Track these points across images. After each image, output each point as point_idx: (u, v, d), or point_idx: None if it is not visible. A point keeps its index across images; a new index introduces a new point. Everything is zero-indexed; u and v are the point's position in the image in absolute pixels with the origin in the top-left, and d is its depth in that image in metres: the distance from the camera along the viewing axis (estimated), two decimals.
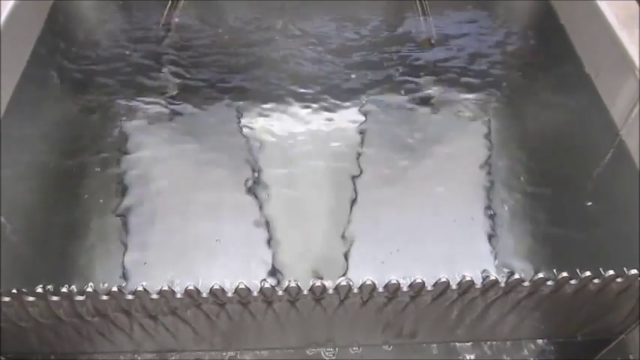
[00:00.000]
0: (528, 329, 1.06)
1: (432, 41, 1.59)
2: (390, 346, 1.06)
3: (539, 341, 1.08)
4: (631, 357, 1.06)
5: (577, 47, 1.50)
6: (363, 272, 1.09)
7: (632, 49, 1.26)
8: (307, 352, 1.05)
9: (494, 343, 1.07)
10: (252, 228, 1.17)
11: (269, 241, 1.15)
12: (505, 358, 1.06)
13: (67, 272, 1.10)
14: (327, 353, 1.05)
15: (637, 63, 1.23)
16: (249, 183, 1.25)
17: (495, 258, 1.13)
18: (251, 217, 1.19)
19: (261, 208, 1.20)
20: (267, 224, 1.18)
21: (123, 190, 1.23)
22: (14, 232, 1.15)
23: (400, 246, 1.14)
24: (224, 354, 1.04)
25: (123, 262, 1.11)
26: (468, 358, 1.06)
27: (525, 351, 1.07)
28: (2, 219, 1.15)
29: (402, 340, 1.05)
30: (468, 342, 1.06)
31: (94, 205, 1.20)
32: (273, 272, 1.10)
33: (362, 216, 1.19)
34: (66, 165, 1.28)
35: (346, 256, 1.13)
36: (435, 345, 1.06)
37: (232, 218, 1.19)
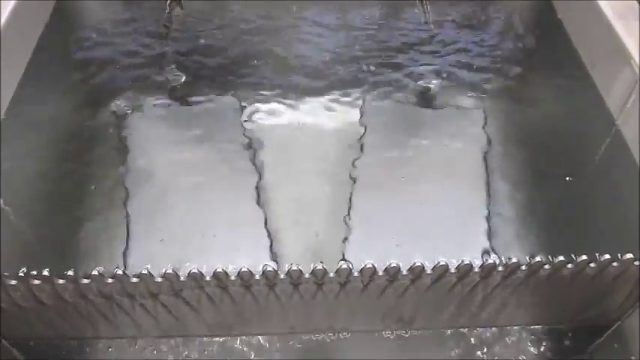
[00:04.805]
0: (526, 316, 1.08)
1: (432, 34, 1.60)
2: (390, 332, 1.07)
3: (537, 327, 1.09)
4: (628, 343, 1.07)
5: (574, 40, 1.52)
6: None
7: (627, 40, 1.27)
8: (309, 337, 1.06)
9: (493, 329, 1.09)
10: (253, 220, 1.18)
11: (269, 234, 1.16)
12: (503, 344, 1.07)
13: (72, 263, 1.11)
14: (328, 338, 1.07)
15: (632, 54, 1.25)
16: (250, 175, 1.26)
17: (494, 248, 1.14)
18: (252, 210, 1.19)
19: (261, 201, 1.21)
20: (268, 217, 1.19)
21: (126, 183, 1.24)
22: (18, 222, 1.16)
23: (400, 238, 1.15)
24: (227, 339, 1.06)
25: (125, 252, 1.12)
26: (465, 343, 1.08)
27: (523, 337, 1.08)
28: (7, 209, 1.16)
29: (402, 326, 1.07)
30: (466, 328, 1.08)
31: (97, 197, 1.21)
32: (274, 262, 1.11)
33: (362, 207, 1.20)
34: (69, 158, 1.29)
35: (346, 248, 1.13)
36: (434, 330, 1.08)
37: (233, 210, 1.19)
